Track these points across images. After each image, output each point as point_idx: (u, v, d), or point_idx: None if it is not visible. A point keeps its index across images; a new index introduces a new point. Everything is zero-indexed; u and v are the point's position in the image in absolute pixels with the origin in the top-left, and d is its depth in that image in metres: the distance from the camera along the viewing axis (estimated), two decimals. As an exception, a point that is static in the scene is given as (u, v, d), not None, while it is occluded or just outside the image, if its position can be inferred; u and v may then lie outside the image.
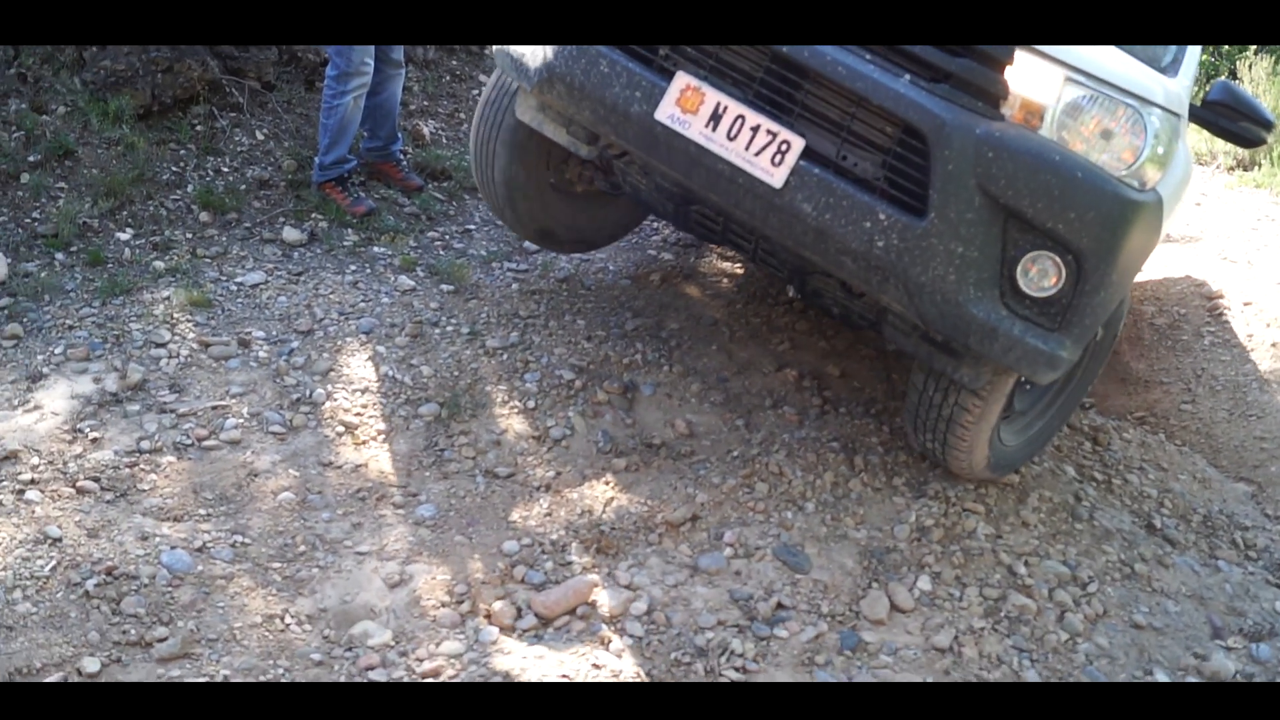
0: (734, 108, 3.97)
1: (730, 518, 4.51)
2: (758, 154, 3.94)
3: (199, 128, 6.69)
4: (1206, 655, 4.35)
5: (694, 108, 4.01)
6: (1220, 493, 5.93)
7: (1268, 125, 4.77)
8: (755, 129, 3.94)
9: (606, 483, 4.63)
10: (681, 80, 4.03)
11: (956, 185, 3.79)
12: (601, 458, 4.79)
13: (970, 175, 3.78)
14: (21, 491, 4.04)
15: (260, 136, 6.89)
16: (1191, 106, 4.78)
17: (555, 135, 4.79)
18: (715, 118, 3.98)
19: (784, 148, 3.92)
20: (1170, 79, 4.61)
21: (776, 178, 3.93)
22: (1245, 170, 11.63)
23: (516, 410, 4.98)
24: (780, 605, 4.09)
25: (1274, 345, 8.18)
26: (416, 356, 5.19)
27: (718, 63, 4.08)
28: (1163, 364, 8.10)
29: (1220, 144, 11.47)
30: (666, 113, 4.03)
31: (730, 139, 3.97)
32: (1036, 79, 3.90)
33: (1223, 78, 4.91)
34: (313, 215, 6.43)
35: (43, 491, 4.06)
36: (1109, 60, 4.04)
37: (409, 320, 5.41)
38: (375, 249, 6.22)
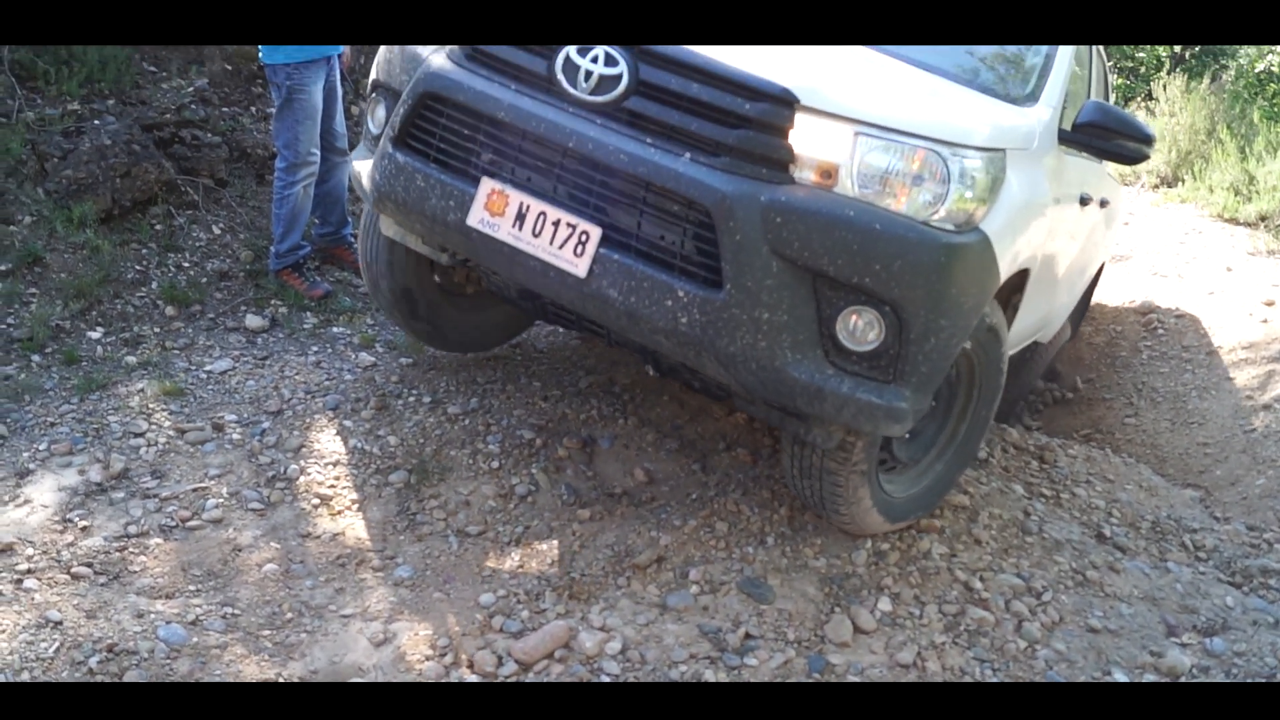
0: (535, 205, 4.09)
1: (694, 556, 4.70)
2: (560, 247, 4.04)
3: (158, 227, 6.91)
4: (1162, 653, 4.54)
5: (500, 210, 4.14)
6: (1167, 499, 6.15)
7: (1146, 140, 4.86)
8: (556, 223, 4.05)
9: (573, 533, 4.82)
10: (486, 185, 4.18)
11: (748, 254, 3.81)
12: (566, 510, 4.99)
13: (761, 242, 3.80)
14: (20, 581, 4.21)
15: (217, 230, 7.11)
16: (1062, 131, 4.94)
17: (416, 245, 4.98)
18: (520, 217, 4.11)
19: (584, 238, 4.02)
20: (1021, 109, 4.77)
21: (581, 267, 4.01)
22: (1169, 187, 11.95)
23: (482, 471, 5.17)
24: (748, 635, 4.28)
25: (1209, 354, 8.44)
26: (382, 428, 5.38)
27: (517, 165, 4.18)
28: (1103, 380, 8.35)
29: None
30: (477, 218, 4.18)
31: (536, 235, 4.08)
32: (827, 138, 3.91)
33: (1098, 102, 4.96)
34: (272, 302, 6.66)
35: (40, 579, 4.24)
36: (902, 109, 4.06)
37: (372, 394, 5.61)
38: (334, 329, 6.44)
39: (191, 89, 7.85)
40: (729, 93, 3.92)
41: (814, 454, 4.51)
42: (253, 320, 6.41)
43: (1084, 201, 5.80)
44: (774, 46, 4.29)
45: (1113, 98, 7.51)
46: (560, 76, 4.12)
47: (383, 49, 4.83)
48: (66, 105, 7.21)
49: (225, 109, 7.98)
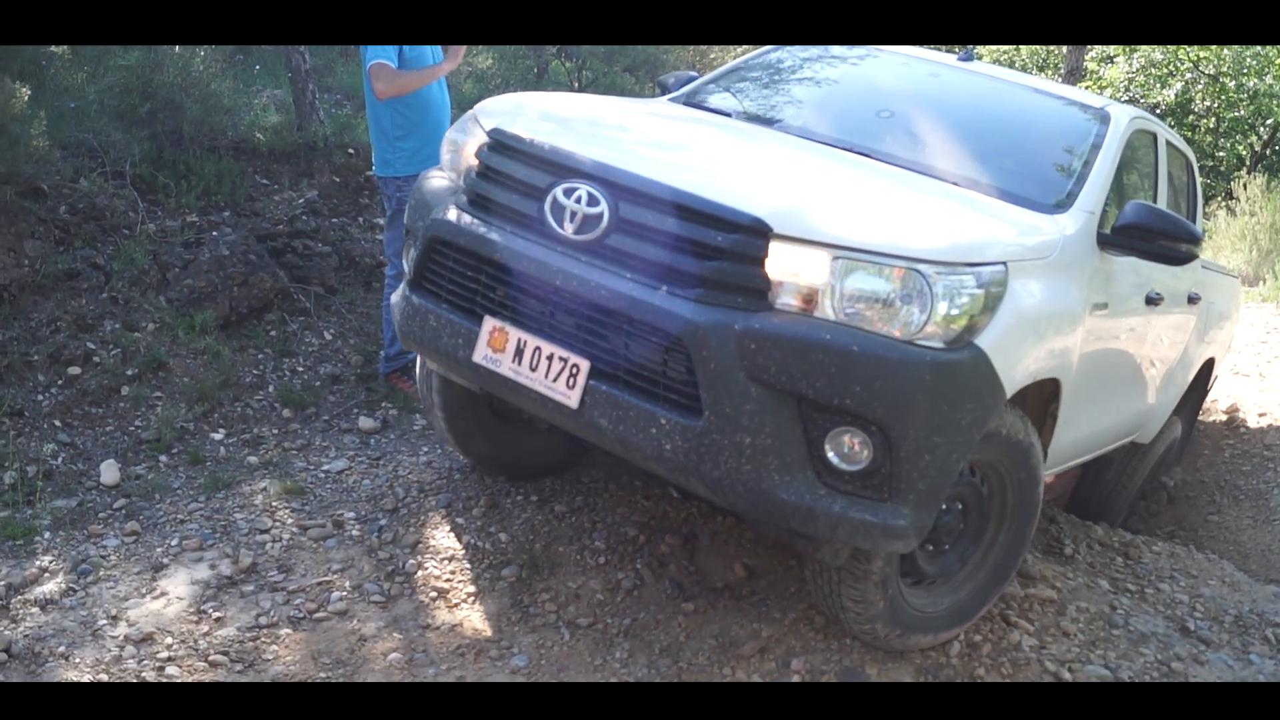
0: (531, 340, 4.25)
1: (795, 647, 4.88)
2: (555, 380, 4.18)
3: (273, 333, 7.29)
4: (1244, 743, 4.71)
5: (501, 346, 4.32)
6: (1250, 594, 6.26)
7: (1192, 239, 4.88)
8: (550, 357, 4.20)
9: (679, 624, 5.04)
10: (488, 324, 4.38)
11: (724, 381, 3.86)
12: (671, 603, 5.20)
13: (737, 369, 3.85)
14: (162, 668, 4.50)
15: (328, 336, 7.48)
16: (1101, 235, 5.00)
17: (456, 379, 5.18)
18: (519, 352, 4.28)
19: (574, 370, 4.14)
20: (1047, 216, 4.85)
21: (573, 399, 4.14)
22: (1250, 286, 11.99)
23: (589, 566, 5.41)
24: (848, 722, 4.50)
25: (1291, 453, 8.53)
26: (493, 524, 5.64)
27: (514, 303, 4.33)
28: (1187, 479, 8.47)
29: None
30: (481, 354, 4.38)
31: (533, 370, 4.24)
32: (804, 264, 3.96)
33: (1141, 203, 4.92)
34: (383, 404, 6.99)
35: (180, 667, 4.52)
36: (881, 229, 4.08)
37: (482, 493, 5.87)
38: (434, 430, 6.76)
39: (302, 200, 8.28)
40: (702, 225, 4.03)
41: (831, 572, 4.56)
42: (365, 422, 6.75)
43: (1152, 301, 5.81)
44: (775, 170, 4.50)
45: (1200, 199, 7.55)
46: (549, 218, 4.29)
47: (410, 199, 5.08)
48: (185, 217, 7.65)
49: (334, 219, 8.40)
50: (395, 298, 5.00)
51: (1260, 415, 9.37)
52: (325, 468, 6.19)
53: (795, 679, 4.69)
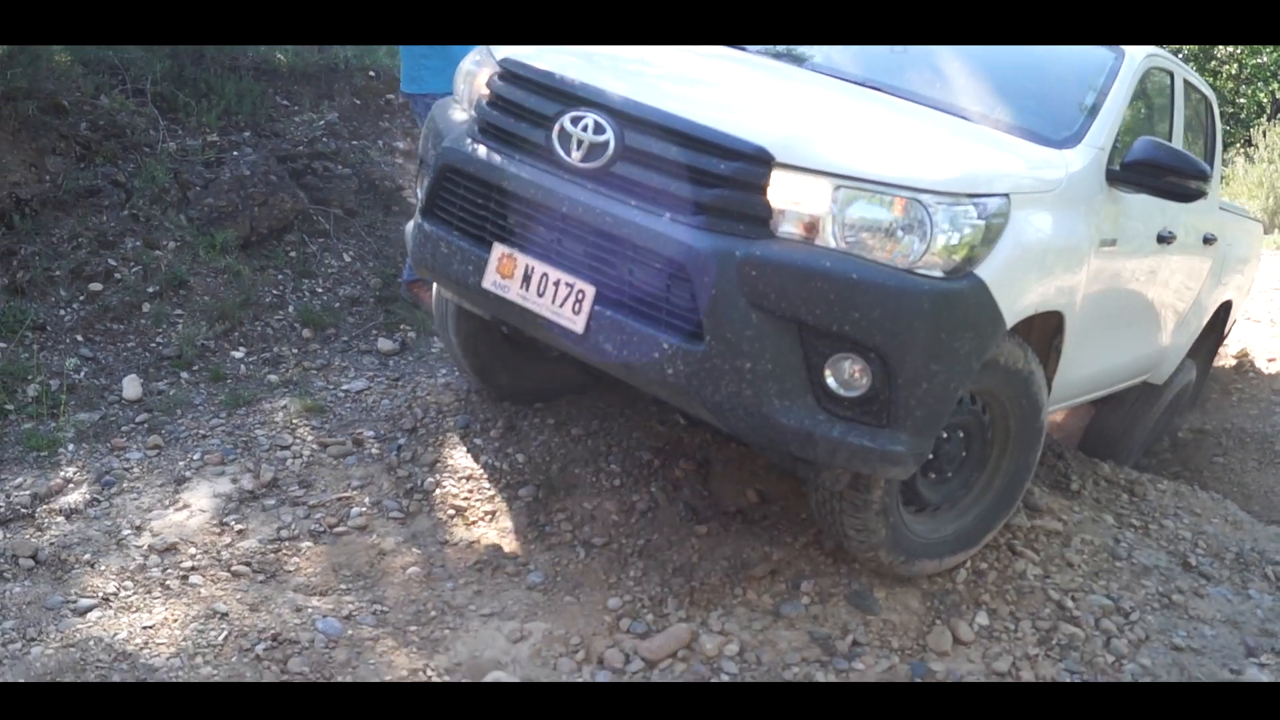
0: (539, 267, 4.31)
1: (805, 570, 5.00)
2: (561, 305, 4.25)
3: (293, 254, 7.36)
4: (1241, 671, 4.81)
5: (510, 272, 4.39)
6: (1252, 533, 6.36)
7: (1201, 175, 4.91)
8: (557, 283, 4.26)
9: (692, 546, 5.13)
10: (497, 250, 4.45)
11: (725, 307, 3.91)
12: (684, 526, 5.29)
13: (739, 295, 3.91)
14: (185, 577, 4.61)
15: (347, 258, 7.55)
16: (1111, 170, 5.03)
17: (468, 305, 5.22)
18: (526, 278, 4.34)
19: (580, 296, 4.21)
20: (1055, 151, 4.88)
21: (579, 324, 4.21)
22: (1266, 234, 12.02)
23: (605, 488, 5.50)
24: (855, 642, 4.59)
25: (1298, 398, 8.60)
26: (510, 446, 5.73)
27: (523, 230, 4.40)
28: (1193, 421, 8.53)
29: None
30: (490, 280, 4.45)
31: (540, 295, 4.30)
32: (806, 193, 4.01)
33: (1150, 138, 4.92)
34: (401, 326, 7.07)
35: (204, 576, 4.63)
36: (883, 159, 4.13)
37: (499, 415, 5.94)
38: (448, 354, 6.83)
39: (322, 122, 8.33)
40: (705, 153, 4.08)
41: (834, 499, 4.64)
42: (384, 344, 6.83)
43: (1164, 239, 5.85)
44: (781, 101, 4.56)
45: (1219, 141, 7.52)
46: (556, 146, 4.34)
47: (423, 130, 5.13)
48: (206, 136, 7.70)
49: (354, 142, 8.46)
50: (409, 225, 5.08)
51: (1270, 360, 9.43)
52: (345, 387, 6.28)
53: (804, 600, 4.79)
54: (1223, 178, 11.62)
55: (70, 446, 5.53)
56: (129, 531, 4.87)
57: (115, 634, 4.19)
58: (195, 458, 5.44)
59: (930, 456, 4.39)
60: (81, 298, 6.55)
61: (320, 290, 7.23)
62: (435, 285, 5.66)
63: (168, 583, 4.56)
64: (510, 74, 4.71)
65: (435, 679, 4.27)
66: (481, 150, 4.58)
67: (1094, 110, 5.25)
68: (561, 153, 4.33)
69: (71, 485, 5.21)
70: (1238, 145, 15.83)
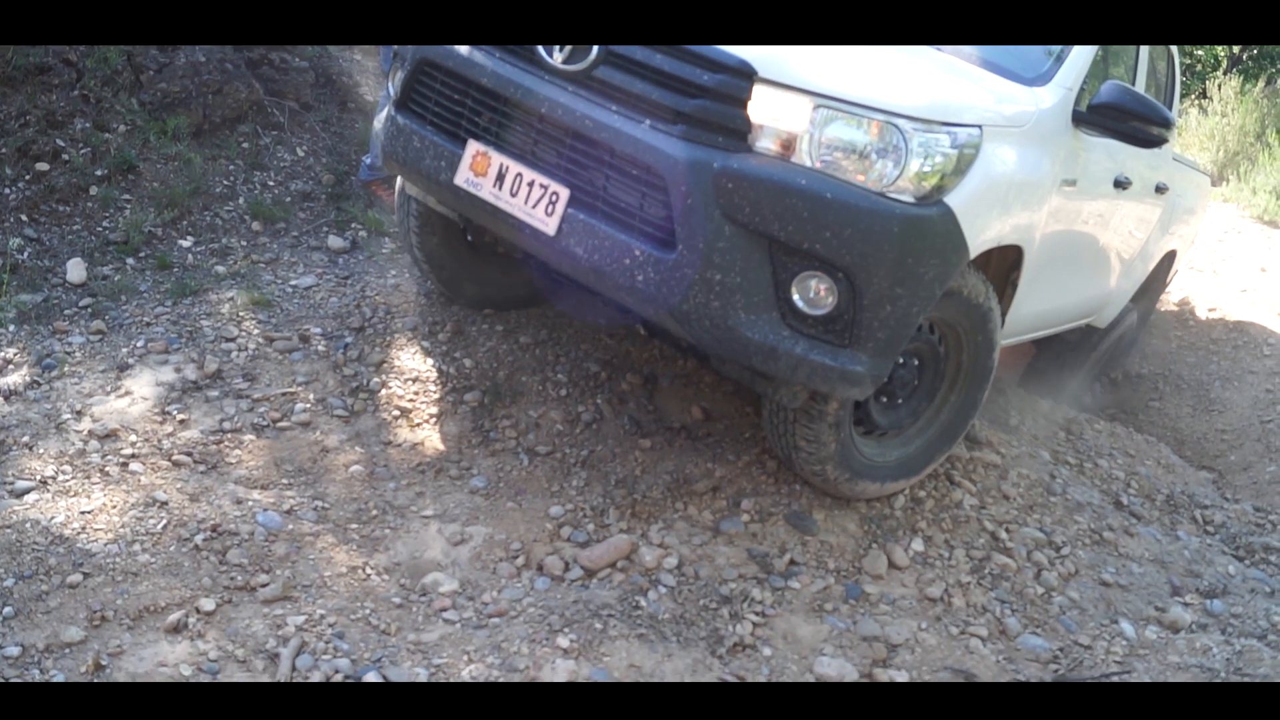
0: (514, 166, 4.31)
1: (746, 488, 5.04)
2: (534, 206, 4.25)
3: (245, 145, 7.26)
4: (1166, 609, 4.93)
5: (484, 170, 4.38)
6: (1183, 477, 6.49)
7: (1164, 123, 4.93)
8: (531, 184, 4.27)
9: (635, 459, 5.16)
10: (472, 147, 4.43)
11: (699, 217, 3.95)
12: (629, 439, 5.32)
13: (714, 207, 3.95)
14: (125, 464, 4.58)
15: (300, 153, 7.46)
16: (1078, 112, 5.05)
17: (434, 204, 5.24)
18: (500, 177, 4.33)
19: (554, 198, 4.22)
20: (1026, 88, 4.89)
21: (551, 226, 4.22)
22: (1214, 186, 12.14)
23: (551, 398, 5.51)
24: (793, 561, 4.65)
25: (1235, 348, 8.74)
26: (458, 350, 5.72)
27: (499, 128, 4.40)
28: (1132, 365, 8.65)
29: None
30: (463, 177, 4.43)
31: (513, 195, 4.30)
32: (786, 110, 4.03)
33: (1117, 83, 4.96)
34: (353, 225, 7.01)
35: (144, 464, 4.61)
36: (864, 83, 4.15)
37: (449, 319, 5.92)
38: (408, 256, 6.78)
39: (281, 15, 8.18)
40: (689, 63, 4.07)
41: (787, 412, 4.69)
42: (335, 241, 6.77)
43: (1120, 185, 5.89)
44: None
45: (1178, 92, 7.59)
46: (539, 46, 4.32)
47: None
48: (137, 45, 7.52)
49: (313, 37, 8.31)
50: (380, 117, 5.02)
51: (1210, 310, 9.55)
52: (293, 283, 6.23)
53: (744, 518, 4.83)
54: (1177, 129, 11.70)
55: (11, 327, 5.45)
56: (69, 416, 4.84)
57: (52, 517, 4.18)
58: (139, 345, 5.40)
59: (885, 380, 4.43)
60: (27, 177, 6.44)
61: (272, 183, 7.15)
62: (400, 190, 5.64)
63: (107, 469, 4.54)
64: None
65: (374, 576, 4.30)
66: (461, 46, 4.54)
67: (1063, 53, 5.24)
68: (544, 54, 4.31)
69: (11, 366, 5.15)
70: (1193, 97, 15.91)
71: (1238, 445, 7.66)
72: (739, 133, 4.06)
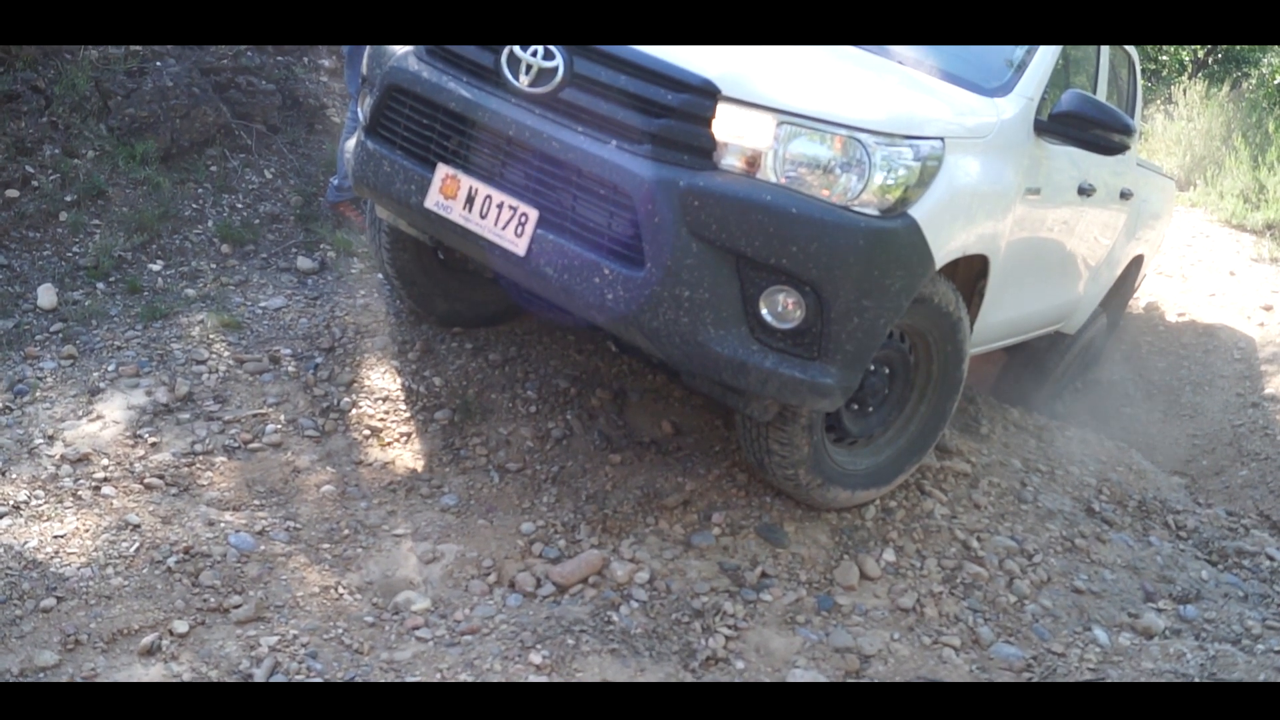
0: (483, 189, 4.36)
1: (717, 502, 5.05)
2: (504, 228, 4.30)
3: (214, 168, 7.26)
4: (1139, 615, 4.95)
5: (453, 193, 4.43)
6: (1155, 482, 6.51)
7: (1125, 130, 4.98)
8: (500, 205, 4.32)
9: (606, 474, 5.18)
10: (441, 171, 4.48)
11: (667, 235, 4.00)
12: (599, 454, 5.33)
13: (681, 224, 4.00)
14: (98, 488, 4.59)
15: (268, 175, 7.46)
16: (1039, 121, 5.11)
17: (405, 228, 5.26)
18: (470, 200, 4.39)
19: (523, 219, 4.27)
20: (987, 99, 4.94)
21: (521, 246, 4.27)
22: (1182, 190, 12.19)
23: (521, 414, 5.52)
24: (764, 574, 4.66)
25: (1205, 353, 8.79)
26: (428, 369, 5.73)
27: (468, 152, 4.45)
28: (1103, 370, 8.69)
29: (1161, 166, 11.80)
30: (433, 200, 4.48)
31: (483, 217, 4.35)
32: (749, 127, 4.09)
33: (1078, 91, 5.01)
34: (321, 246, 7.01)
35: (116, 487, 4.61)
36: (826, 99, 4.22)
37: (418, 338, 5.94)
38: (380, 275, 6.79)
39: (248, 37, 8.20)
40: (653, 84, 4.14)
41: (759, 424, 4.73)
42: (304, 262, 6.77)
43: (1084, 192, 5.95)
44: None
45: (1140, 99, 7.65)
46: (505, 70, 4.37)
47: (368, 47, 5.10)
48: (129, 45, 7.54)
49: (279, 58, 8.33)
50: (350, 143, 5.05)
51: (1179, 315, 9.60)
52: (262, 304, 6.23)
53: (715, 531, 4.85)
54: (1142, 134, 11.76)
55: (-18, 354, 5.46)
56: (41, 440, 4.84)
57: (25, 542, 4.18)
58: (110, 369, 5.40)
59: (857, 387, 4.46)
60: (-3, 204, 6.46)
61: (240, 206, 7.15)
62: (370, 210, 5.66)
63: (79, 493, 4.54)
64: None
65: (347, 595, 4.31)
66: (429, 71, 4.58)
67: (1024, 63, 5.30)
68: (510, 77, 4.36)
69: (-18, 392, 5.16)
70: (1158, 102, 16.01)
71: (1210, 450, 7.71)
72: (704, 151, 4.11)
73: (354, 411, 5.39)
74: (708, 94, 4.10)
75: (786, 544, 4.84)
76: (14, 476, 4.58)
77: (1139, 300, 9.62)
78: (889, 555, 4.92)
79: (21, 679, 3.63)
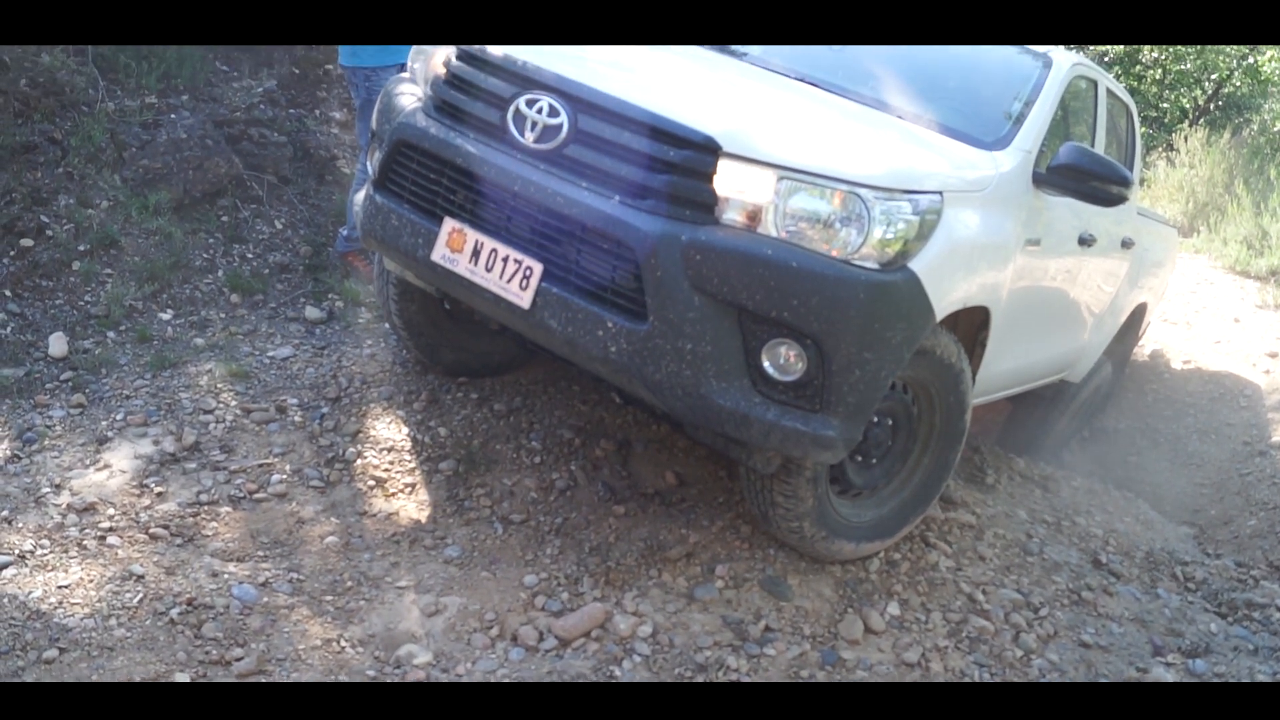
0: (488, 242, 4.40)
1: (720, 554, 5.05)
2: (509, 281, 4.33)
3: (225, 219, 7.33)
4: (1147, 669, 4.92)
5: (459, 247, 4.47)
6: (1162, 533, 6.49)
7: (1122, 182, 5.05)
8: (505, 259, 4.35)
9: (609, 526, 5.18)
10: (448, 224, 4.52)
11: (669, 289, 4.03)
12: (603, 505, 5.34)
13: (682, 278, 4.03)
14: (103, 538, 4.61)
15: (279, 225, 7.52)
16: (1037, 173, 5.16)
17: (413, 280, 5.32)
18: (475, 253, 4.42)
19: (528, 273, 4.30)
20: (985, 153, 5.01)
21: (525, 300, 4.30)
22: (1185, 237, 12.19)
23: (525, 465, 5.53)
24: (768, 628, 4.65)
25: (1211, 400, 8.77)
26: (433, 419, 5.76)
27: (474, 206, 4.49)
28: (1109, 420, 8.67)
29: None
30: (439, 254, 4.52)
31: (488, 270, 4.39)
32: (750, 182, 4.14)
33: (1076, 144, 5.06)
34: (329, 295, 7.06)
35: (121, 537, 4.64)
36: (826, 154, 4.26)
37: (423, 388, 5.97)
38: (388, 325, 6.82)
39: (261, 89, 8.29)
40: (656, 140, 4.19)
41: (763, 476, 4.75)
42: (312, 312, 6.82)
43: (1085, 242, 6.01)
44: (729, 94, 4.67)
45: (1139, 147, 7.69)
46: (511, 126, 4.44)
47: (377, 104, 5.18)
48: (145, 98, 7.64)
49: (291, 110, 8.42)
50: (359, 196, 5.11)
51: (1185, 363, 9.60)
52: (270, 354, 6.27)
53: (719, 584, 4.84)
54: (1144, 181, 11.78)
55: (-8, 402, 5.50)
56: (48, 489, 4.87)
57: (30, 592, 4.20)
58: (118, 418, 5.44)
59: (859, 439, 4.47)
60: (12, 253, 6.50)
61: (250, 256, 7.21)
62: (378, 262, 5.71)
63: (85, 543, 4.56)
64: (468, 55, 4.77)
65: (349, 649, 4.31)
66: (436, 127, 4.64)
67: (1022, 116, 5.39)
68: (515, 133, 4.42)
69: (-9, 441, 5.19)
70: (1160, 149, 16.06)
71: (1218, 499, 7.68)
72: (706, 206, 4.15)
73: (359, 462, 5.41)
74: (709, 150, 4.15)
75: (790, 597, 4.83)
76: (20, 525, 4.61)
77: (1144, 348, 9.62)
78: (893, 609, 4.91)
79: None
